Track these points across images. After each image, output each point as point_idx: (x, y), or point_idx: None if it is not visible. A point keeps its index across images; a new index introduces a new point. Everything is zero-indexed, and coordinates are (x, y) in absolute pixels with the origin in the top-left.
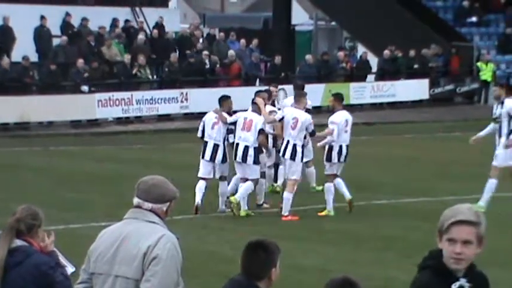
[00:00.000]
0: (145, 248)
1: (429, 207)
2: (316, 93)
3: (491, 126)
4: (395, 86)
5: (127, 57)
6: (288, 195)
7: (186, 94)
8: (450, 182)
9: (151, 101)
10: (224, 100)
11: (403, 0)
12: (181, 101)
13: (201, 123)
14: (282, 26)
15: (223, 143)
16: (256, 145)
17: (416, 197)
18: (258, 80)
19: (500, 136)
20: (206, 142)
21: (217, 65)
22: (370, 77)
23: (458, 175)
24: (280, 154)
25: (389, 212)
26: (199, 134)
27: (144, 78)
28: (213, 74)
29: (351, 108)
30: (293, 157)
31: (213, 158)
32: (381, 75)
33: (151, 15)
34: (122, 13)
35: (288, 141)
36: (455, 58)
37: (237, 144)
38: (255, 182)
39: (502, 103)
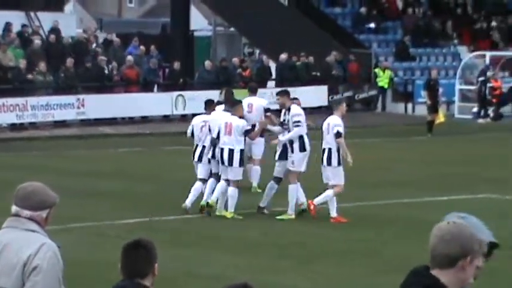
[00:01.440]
0: (26, 257)
1: (327, 213)
2: (215, 99)
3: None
4: (294, 93)
5: (22, 63)
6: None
7: (83, 100)
8: (358, 189)
9: (46, 107)
10: (209, 104)
11: (302, 7)
12: (78, 107)
13: (190, 127)
14: (181, 32)
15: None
16: (242, 147)
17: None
18: (156, 86)
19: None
20: (197, 145)
21: (115, 71)
22: (271, 83)
23: (361, 182)
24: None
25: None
26: (188, 135)
27: (40, 84)
28: (110, 80)
29: None
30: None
31: (200, 159)
32: (280, 82)
33: (46, 19)
34: (17, 17)
35: (223, 149)
36: (354, 65)
37: (222, 149)
38: (236, 184)
39: (289, 110)
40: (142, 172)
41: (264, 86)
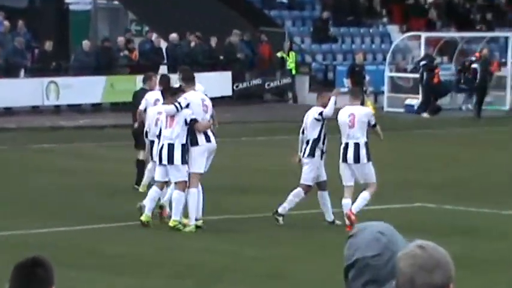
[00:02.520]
0: None
1: (233, 226)
2: (96, 87)
3: None
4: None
5: None
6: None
7: None
8: (265, 197)
9: None
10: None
11: None
12: None
13: (147, 124)
14: (52, 5)
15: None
16: (184, 141)
17: (221, 214)
18: (22, 71)
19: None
20: (152, 141)
21: None
22: (163, 69)
23: (270, 188)
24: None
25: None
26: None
27: None
28: None
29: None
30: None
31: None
32: (174, 66)
33: None
34: None
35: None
36: (265, 47)
37: (162, 145)
38: (183, 186)
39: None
40: (3, 175)
41: (155, 71)
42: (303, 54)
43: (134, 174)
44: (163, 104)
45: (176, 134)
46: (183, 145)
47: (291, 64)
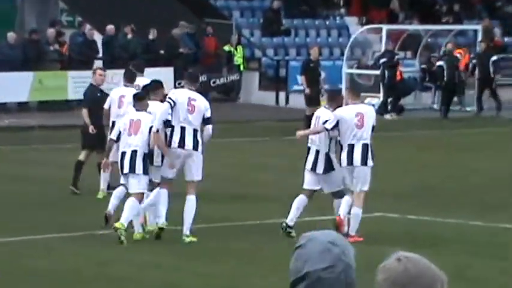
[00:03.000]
0: None
1: (176, 236)
2: (22, 84)
3: None
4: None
5: None
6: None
7: None
8: (211, 206)
9: None
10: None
11: None
12: None
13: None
14: None
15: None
16: (147, 151)
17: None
18: None
19: None
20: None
21: None
22: (98, 64)
23: (216, 197)
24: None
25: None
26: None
27: None
28: None
29: (69, 104)
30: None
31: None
32: (111, 62)
33: None
34: None
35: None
36: (211, 40)
37: (123, 152)
38: (140, 197)
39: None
40: None
41: (89, 66)
42: (252, 48)
43: (67, 179)
44: (135, 107)
45: (140, 141)
46: (145, 154)
47: (238, 59)
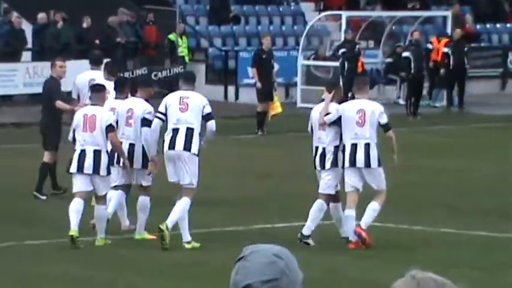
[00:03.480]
0: None
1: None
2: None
3: None
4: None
5: None
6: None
7: None
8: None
9: None
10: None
11: None
12: None
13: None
14: None
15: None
16: (109, 148)
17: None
18: None
19: None
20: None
21: None
22: (26, 55)
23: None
24: None
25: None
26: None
27: None
28: None
29: None
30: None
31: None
32: (41, 53)
33: None
34: None
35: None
36: (151, 29)
37: (83, 150)
38: (103, 200)
39: None
40: None
41: (16, 58)
42: (197, 37)
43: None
44: (92, 99)
45: (100, 139)
46: (107, 152)
47: (183, 50)
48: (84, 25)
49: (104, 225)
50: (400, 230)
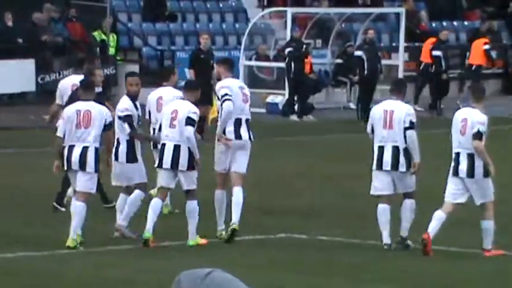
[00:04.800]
0: None
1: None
2: None
3: None
4: None
5: None
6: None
7: None
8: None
9: None
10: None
11: None
12: None
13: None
14: None
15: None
16: (98, 145)
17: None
18: None
19: None
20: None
21: None
22: None
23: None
24: None
25: None
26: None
27: None
28: None
29: None
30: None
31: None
32: None
33: None
34: None
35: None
36: (75, 26)
37: (72, 146)
38: (86, 198)
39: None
40: None
41: None
42: (131, 36)
43: None
44: (82, 96)
45: (93, 136)
46: (96, 149)
47: (111, 49)
48: (8, 22)
49: (81, 223)
50: (352, 245)
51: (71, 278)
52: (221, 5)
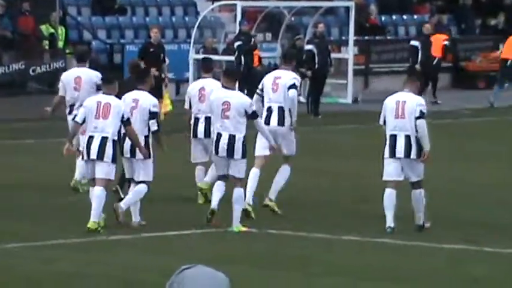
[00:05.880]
0: None
1: None
2: None
3: None
4: None
5: None
6: None
7: None
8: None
9: None
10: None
11: None
12: None
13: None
14: None
15: None
16: (116, 137)
17: None
18: None
19: None
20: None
21: None
22: None
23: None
24: None
25: None
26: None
27: None
28: None
29: None
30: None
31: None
32: None
33: None
34: None
35: None
36: (27, 20)
37: (91, 137)
38: (105, 184)
39: None
40: None
41: None
42: (80, 29)
43: None
44: (103, 90)
45: (111, 128)
46: (114, 141)
47: (60, 42)
48: None
49: (101, 207)
50: (300, 238)
51: (19, 272)
52: None
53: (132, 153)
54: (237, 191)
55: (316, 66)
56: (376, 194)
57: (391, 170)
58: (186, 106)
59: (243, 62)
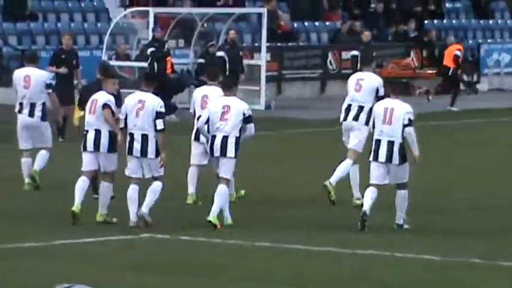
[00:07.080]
0: None
1: None
2: None
3: None
4: None
5: None
6: None
7: None
8: None
9: None
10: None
11: None
12: None
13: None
14: None
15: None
16: (109, 128)
17: None
18: None
19: None
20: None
21: None
22: None
23: None
24: None
25: None
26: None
27: None
28: None
29: None
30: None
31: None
32: None
33: None
34: None
35: None
36: None
37: (87, 131)
38: (111, 177)
39: None
40: None
41: None
42: None
43: None
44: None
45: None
46: (110, 132)
47: None
48: None
49: (107, 202)
50: (215, 245)
51: None
52: (83, 5)
53: (143, 153)
54: (221, 187)
55: (227, 72)
56: (293, 200)
57: (376, 174)
58: (191, 111)
59: (156, 69)
